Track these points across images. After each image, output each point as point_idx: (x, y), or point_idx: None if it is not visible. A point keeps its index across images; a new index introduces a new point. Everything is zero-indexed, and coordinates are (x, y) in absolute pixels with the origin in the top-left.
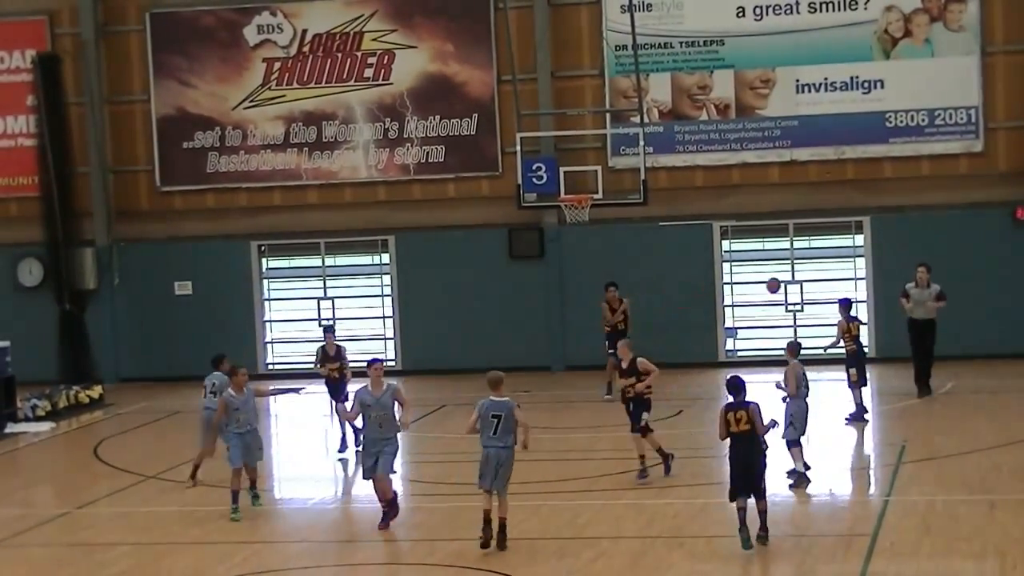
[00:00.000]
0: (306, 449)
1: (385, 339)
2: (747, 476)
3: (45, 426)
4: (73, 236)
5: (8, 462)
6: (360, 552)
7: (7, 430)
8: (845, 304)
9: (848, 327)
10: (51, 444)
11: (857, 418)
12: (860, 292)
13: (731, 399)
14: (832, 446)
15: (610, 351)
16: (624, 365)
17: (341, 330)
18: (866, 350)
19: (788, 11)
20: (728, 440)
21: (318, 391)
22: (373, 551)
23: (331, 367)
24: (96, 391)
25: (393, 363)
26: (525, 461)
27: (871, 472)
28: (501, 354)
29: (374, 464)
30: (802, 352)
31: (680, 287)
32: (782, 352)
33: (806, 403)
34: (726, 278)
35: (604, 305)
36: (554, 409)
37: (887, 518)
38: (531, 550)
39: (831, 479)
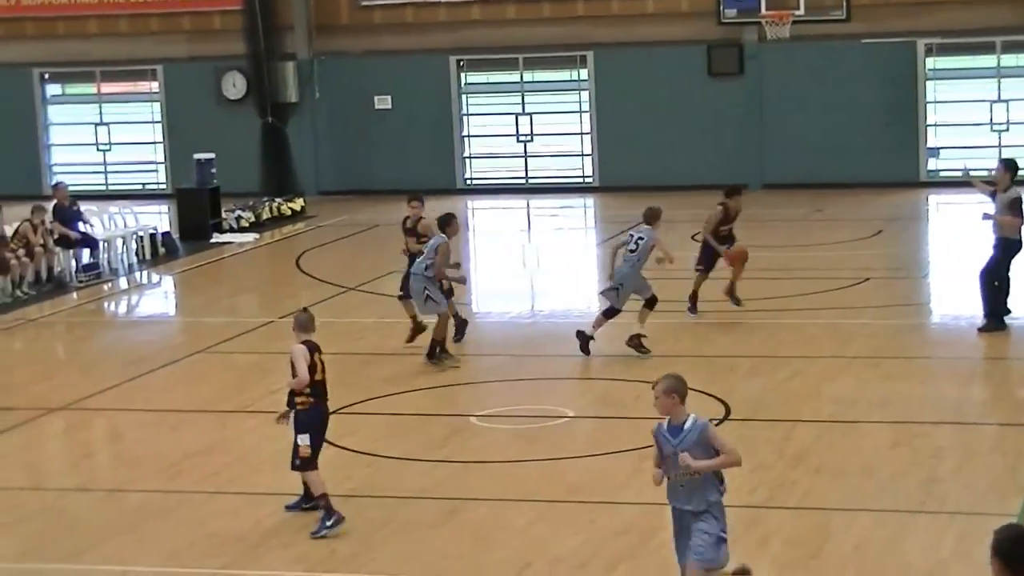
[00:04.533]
0: (504, 264)
1: (583, 155)
2: None
3: (249, 237)
4: (275, 49)
5: (214, 271)
6: (551, 365)
7: (213, 240)
8: None
9: None
10: (254, 254)
11: None
12: None
13: None
14: None
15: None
16: None
17: (539, 145)
18: None
19: None
20: None
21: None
22: (565, 366)
23: None
24: (298, 203)
25: (590, 179)
26: (719, 279)
27: None
28: (697, 172)
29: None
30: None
31: (881, 106)
32: (986, 172)
33: None
34: (929, 97)
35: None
36: (749, 227)
37: None
38: (727, 367)
39: None
